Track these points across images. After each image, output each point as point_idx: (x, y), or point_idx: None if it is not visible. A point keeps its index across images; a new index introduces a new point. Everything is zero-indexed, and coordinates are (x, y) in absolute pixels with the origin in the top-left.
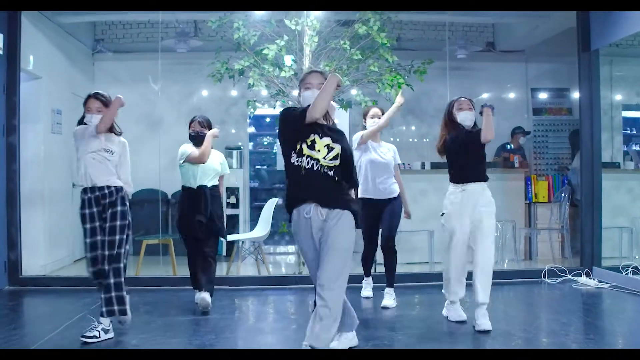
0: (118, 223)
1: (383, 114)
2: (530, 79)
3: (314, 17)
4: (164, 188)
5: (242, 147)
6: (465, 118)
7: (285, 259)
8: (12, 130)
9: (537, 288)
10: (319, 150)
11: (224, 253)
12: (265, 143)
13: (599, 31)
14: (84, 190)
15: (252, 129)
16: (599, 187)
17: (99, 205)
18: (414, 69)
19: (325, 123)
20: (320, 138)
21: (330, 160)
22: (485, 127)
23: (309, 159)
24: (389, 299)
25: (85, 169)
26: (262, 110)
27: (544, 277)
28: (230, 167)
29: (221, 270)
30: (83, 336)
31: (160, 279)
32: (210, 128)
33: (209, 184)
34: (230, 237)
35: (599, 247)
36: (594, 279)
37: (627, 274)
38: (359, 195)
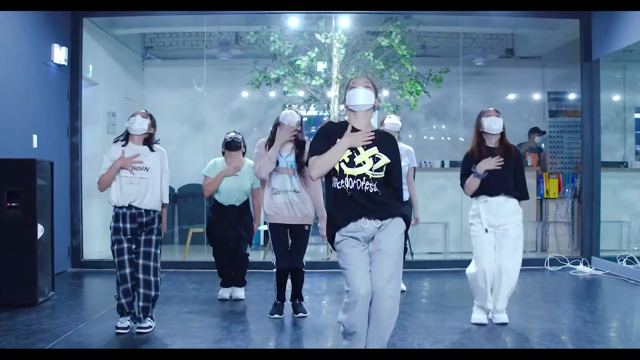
0: None
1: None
2: (546, 83)
3: (341, 32)
4: None
5: None
6: (490, 124)
7: (315, 248)
8: (75, 132)
9: (540, 274)
10: (362, 163)
11: (262, 242)
12: None
13: (599, 43)
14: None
15: None
16: (598, 184)
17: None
18: (432, 77)
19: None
20: (365, 149)
21: (376, 171)
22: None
23: (350, 178)
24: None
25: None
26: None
27: (547, 265)
28: None
29: (258, 256)
30: (139, 328)
31: (204, 262)
32: (245, 145)
33: (238, 203)
34: (266, 227)
35: (597, 239)
36: (591, 267)
37: (622, 263)
38: None
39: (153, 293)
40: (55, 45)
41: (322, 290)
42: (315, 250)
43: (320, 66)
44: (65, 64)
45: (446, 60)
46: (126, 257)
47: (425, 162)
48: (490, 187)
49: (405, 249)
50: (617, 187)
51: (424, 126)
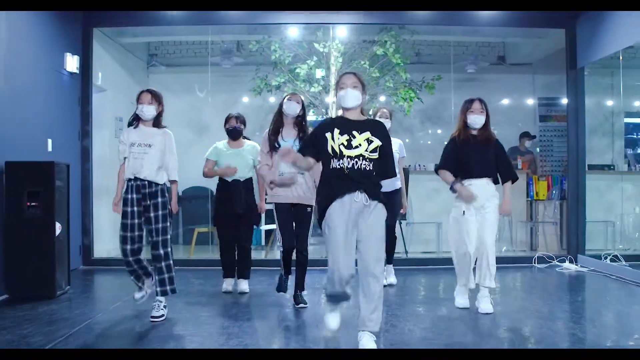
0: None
1: (390, 114)
2: (537, 89)
3: (338, 41)
4: (210, 185)
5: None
6: (473, 122)
7: (314, 248)
8: (85, 135)
9: (527, 271)
10: (359, 145)
11: (263, 242)
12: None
13: (584, 52)
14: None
15: None
16: (583, 185)
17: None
18: (425, 84)
19: (358, 119)
20: (360, 133)
21: (371, 152)
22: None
23: (349, 159)
24: (390, 276)
25: None
26: None
27: (534, 263)
28: None
29: (260, 255)
30: (152, 317)
31: (209, 260)
32: (245, 124)
33: (242, 178)
34: (267, 227)
35: (583, 238)
36: (577, 265)
37: (606, 261)
38: None
39: (164, 264)
40: (68, 54)
41: (321, 285)
42: (315, 250)
43: (319, 74)
44: (77, 71)
45: (439, 68)
46: (128, 235)
47: (419, 165)
48: (473, 171)
49: (395, 238)
50: (604, 189)
51: (418, 131)
